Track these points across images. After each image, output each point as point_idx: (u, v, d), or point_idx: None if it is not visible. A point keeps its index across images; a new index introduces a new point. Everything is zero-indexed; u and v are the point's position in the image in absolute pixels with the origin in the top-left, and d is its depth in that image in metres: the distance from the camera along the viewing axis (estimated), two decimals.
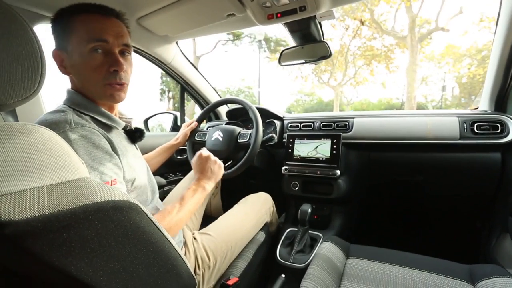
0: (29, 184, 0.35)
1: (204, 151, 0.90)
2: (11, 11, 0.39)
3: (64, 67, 0.66)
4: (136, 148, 0.80)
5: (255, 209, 1.09)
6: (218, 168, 0.89)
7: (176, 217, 0.70)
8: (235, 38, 13.96)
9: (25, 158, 0.36)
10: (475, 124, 1.02)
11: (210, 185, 0.84)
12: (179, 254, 0.53)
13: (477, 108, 1.18)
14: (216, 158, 0.91)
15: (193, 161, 0.90)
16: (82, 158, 0.56)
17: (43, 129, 0.41)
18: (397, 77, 19.03)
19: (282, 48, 1.21)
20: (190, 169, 1.24)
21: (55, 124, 0.57)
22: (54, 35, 0.65)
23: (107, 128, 0.69)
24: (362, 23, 11.51)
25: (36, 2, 0.84)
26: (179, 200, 0.74)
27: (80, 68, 0.64)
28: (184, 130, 1.25)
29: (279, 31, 14.28)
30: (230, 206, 1.09)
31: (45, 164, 0.38)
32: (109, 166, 0.60)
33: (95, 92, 0.67)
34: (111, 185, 0.60)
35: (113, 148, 0.65)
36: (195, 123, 1.29)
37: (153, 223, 0.48)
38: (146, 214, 0.46)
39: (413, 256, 0.80)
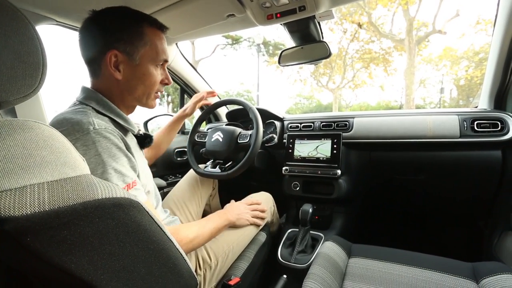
0: (29, 180, 0.34)
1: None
2: (13, 9, 0.39)
3: (116, 69, 0.65)
4: (143, 154, 0.81)
5: None
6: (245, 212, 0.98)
7: (204, 230, 0.78)
8: (234, 42, 14.04)
9: (26, 154, 0.36)
10: (475, 122, 1.02)
11: (224, 215, 0.90)
12: (181, 253, 0.52)
13: (476, 107, 1.19)
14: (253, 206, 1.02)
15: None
16: (105, 160, 0.56)
17: (43, 125, 0.41)
18: (395, 79, 19.15)
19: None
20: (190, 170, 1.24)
21: (78, 124, 0.57)
22: (117, 34, 0.63)
23: (124, 131, 0.70)
24: (360, 26, 11.59)
25: (39, 4, 0.85)
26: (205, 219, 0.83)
27: (141, 77, 0.68)
28: (194, 100, 1.19)
29: (278, 35, 14.37)
30: None
31: (45, 160, 0.37)
32: (128, 168, 0.62)
33: (140, 99, 0.72)
34: (131, 186, 0.61)
35: (129, 152, 0.66)
36: (205, 93, 1.20)
37: (155, 221, 0.47)
38: (147, 212, 0.46)
39: (415, 254, 0.80)
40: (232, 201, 1.02)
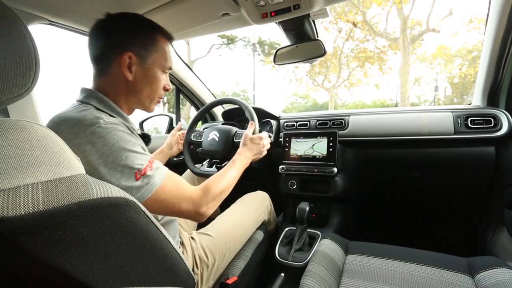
0: (23, 180, 0.34)
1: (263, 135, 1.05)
2: (4, 8, 0.38)
3: (129, 70, 0.67)
4: None
5: (253, 208, 1.08)
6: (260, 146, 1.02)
7: (230, 181, 0.82)
8: (229, 41, 14.01)
9: (19, 154, 0.35)
10: (469, 119, 1.03)
11: (245, 159, 0.94)
12: (177, 253, 0.52)
13: (470, 104, 1.20)
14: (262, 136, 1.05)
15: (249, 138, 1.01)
16: (124, 146, 0.58)
17: (37, 125, 0.40)
18: (390, 78, 19.27)
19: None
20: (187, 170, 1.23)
21: (86, 120, 0.57)
22: (133, 38, 0.67)
23: None
24: (355, 25, 11.64)
25: (31, 3, 0.84)
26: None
27: (149, 80, 0.71)
28: (176, 137, 1.25)
29: (273, 34, 14.38)
30: (228, 207, 1.08)
31: (39, 160, 0.37)
32: (145, 148, 0.65)
33: (144, 102, 0.74)
34: (152, 161, 0.62)
35: None
36: (182, 133, 1.28)
37: (151, 220, 0.47)
38: (143, 211, 0.46)
39: (411, 250, 0.81)
40: (245, 138, 1.01)
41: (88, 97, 0.66)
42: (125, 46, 0.66)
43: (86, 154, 0.54)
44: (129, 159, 0.57)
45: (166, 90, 0.78)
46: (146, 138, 0.81)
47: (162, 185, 0.62)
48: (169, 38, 0.76)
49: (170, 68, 0.77)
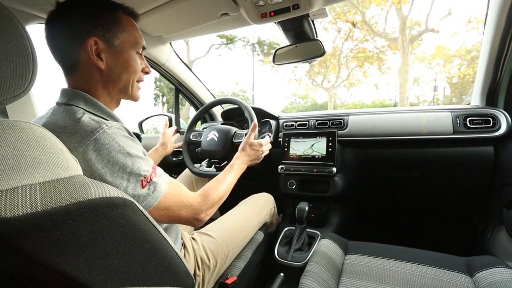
0: (21, 181, 0.34)
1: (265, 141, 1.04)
2: (1, 7, 0.38)
3: (99, 57, 0.61)
4: None
5: (257, 210, 1.07)
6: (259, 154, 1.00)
7: (229, 186, 0.82)
8: (229, 41, 14.01)
9: (17, 155, 0.35)
10: (468, 119, 1.04)
11: (242, 165, 0.94)
12: (176, 253, 0.52)
13: (469, 104, 1.20)
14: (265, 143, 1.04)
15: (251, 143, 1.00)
16: (130, 152, 0.56)
17: (35, 126, 0.40)
18: (389, 78, 19.29)
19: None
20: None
21: (88, 125, 0.53)
22: (93, 21, 0.60)
23: None
24: (354, 25, 11.65)
25: (29, 3, 0.83)
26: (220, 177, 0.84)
27: (124, 64, 0.65)
28: (168, 134, 1.22)
29: (272, 34, 14.38)
30: (226, 207, 1.08)
31: (37, 161, 0.37)
32: (145, 154, 0.62)
33: (126, 90, 0.68)
34: (155, 168, 0.61)
35: None
36: (174, 127, 1.28)
37: (149, 220, 0.47)
38: (141, 211, 0.46)
39: (411, 250, 0.81)
40: (245, 143, 1.00)
41: (73, 99, 0.60)
42: (87, 32, 0.59)
43: (91, 163, 0.51)
44: (135, 165, 0.55)
45: (146, 73, 0.73)
46: (137, 139, 0.79)
47: (166, 192, 0.60)
48: (133, 15, 0.68)
49: (144, 48, 0.70)
